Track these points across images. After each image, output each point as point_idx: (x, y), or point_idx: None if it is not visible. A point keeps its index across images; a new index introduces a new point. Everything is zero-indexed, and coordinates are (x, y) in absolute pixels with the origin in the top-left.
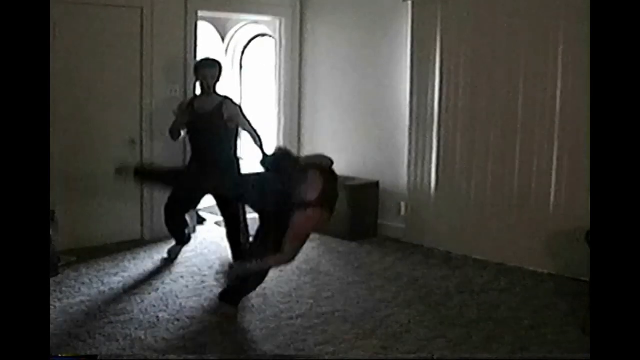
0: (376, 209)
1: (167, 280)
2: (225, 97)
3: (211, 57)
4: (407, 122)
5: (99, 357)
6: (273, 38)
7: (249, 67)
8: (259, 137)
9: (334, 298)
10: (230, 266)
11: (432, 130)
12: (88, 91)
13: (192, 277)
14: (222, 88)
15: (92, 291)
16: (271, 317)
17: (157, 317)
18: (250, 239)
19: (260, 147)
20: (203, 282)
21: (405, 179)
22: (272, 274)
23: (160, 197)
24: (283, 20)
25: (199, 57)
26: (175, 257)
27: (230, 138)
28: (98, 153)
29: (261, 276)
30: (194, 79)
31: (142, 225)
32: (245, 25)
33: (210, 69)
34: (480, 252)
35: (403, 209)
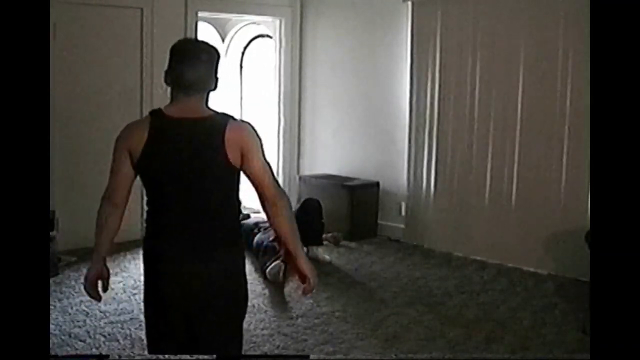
0: (376, 209)
1: None
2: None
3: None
4: (407, 123)
5: (110, 357)
6: (273, 38)
7: (249, 68)
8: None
9: (334, 298)
10: None
11: (431, 130)
12: (88, 91)
13: None
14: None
15: None
16: (271, 317)
17: None
18: None
19: None
20: None
21: (405, 179)
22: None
23: None
24: (283, 20)
25: None
26: None
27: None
28: (98, 153)
29: None
30: None
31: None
32: (245, 26)
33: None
34: (480, 252)
35: (403, 209)
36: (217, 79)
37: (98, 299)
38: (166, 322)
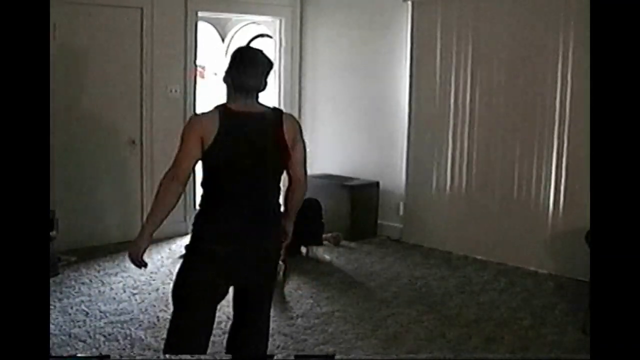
0: (376, 209)
1: (167, 280)
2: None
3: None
4: (407, 123)
5: (111, 357)
6: (273, 38)
7: None
8: None
9: (334, 298)
10: None
11: (431, 130)
12: (88, 91)
13: None
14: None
15: (92, 291)
16: (271, 317)
17: (157, 317)
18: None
19: None
20: None
21: (404, 178)
22: None
23: None
24: (283, 20)
25: (199, 56)
26: None
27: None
28: (98, 153)
29: None
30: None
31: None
32: (245, 26)
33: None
34: (480, 252)
35: (401, 209)
36: (266, 82)
37: (145, 266)
38: (213, 294)
